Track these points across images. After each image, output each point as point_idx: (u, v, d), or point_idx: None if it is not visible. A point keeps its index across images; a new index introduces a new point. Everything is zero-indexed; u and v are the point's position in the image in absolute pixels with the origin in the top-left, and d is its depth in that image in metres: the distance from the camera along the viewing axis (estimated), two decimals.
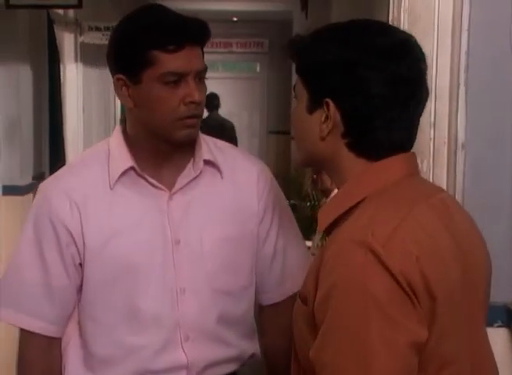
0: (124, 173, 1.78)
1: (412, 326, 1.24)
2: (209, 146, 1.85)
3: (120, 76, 1.75)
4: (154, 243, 1.78)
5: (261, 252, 1.89)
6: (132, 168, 1.78)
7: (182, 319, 1.79)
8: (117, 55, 1.77)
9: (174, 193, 1.80)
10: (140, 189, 1.79)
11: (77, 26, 6.89)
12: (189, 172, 1.81)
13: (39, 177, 5.19)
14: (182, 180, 1.80)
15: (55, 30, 5.73)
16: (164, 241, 1.79)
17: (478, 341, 1.41)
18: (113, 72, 1.78)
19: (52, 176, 1.89)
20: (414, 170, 1.42)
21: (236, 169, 1.87)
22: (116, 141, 1.82)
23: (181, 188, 1.80)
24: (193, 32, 1.72)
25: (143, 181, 1.79)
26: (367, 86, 1.33)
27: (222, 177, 1.84)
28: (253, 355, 1.92)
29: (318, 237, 3.67)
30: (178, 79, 1.71)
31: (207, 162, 1.82)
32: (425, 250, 1.29)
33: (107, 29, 6.98)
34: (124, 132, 1.83)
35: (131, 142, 1.81)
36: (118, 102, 8.93)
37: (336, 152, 1.39)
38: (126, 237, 1.77)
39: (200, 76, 1.75)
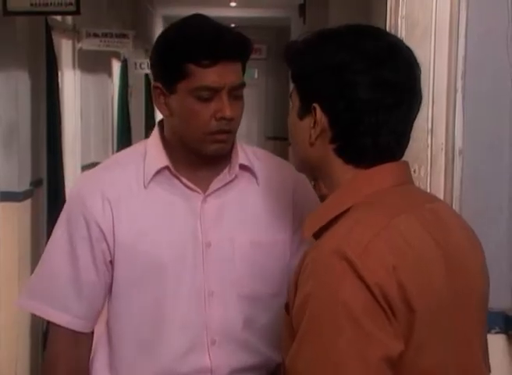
0: (159, 172, 1.79)
1: (386, 339, 1.22)
2: (247, 154, 1.85)
3: (158, 84, 1.77)
4: (185, 244, 1.78)
5: (292, 265, 1.85)
6: (167, 168, 1.79)
7: (209, 322, 1.79)
8: (156, 64, 1.79)
9: (208, 195, 1.80)
10: (174, 189, 1.79)
11: (75, 33, 6.89)
12: (224, 176, 1.82)
13: (37, 184, 5.18)
14: (216, 183, 1.81)
15: (53, 37, 5.73)
16: (195, 243, 1.79)
17: (468, 352, 1.37)
18: (153, 79, 1.80)
19: (87, 173, 1.92)
20: (405, 179, 1.41)
21: (273, 177, 1.87)
22: (154, 142, 1.84)
23: (215, 191, 1.81)
24: (228, 47, 1.73)
25: (177, 182, 1.80)
26: (351, 89, 1.33)
27: (257, 183, 1.85)
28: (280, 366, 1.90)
29: None
30: (211, 93, 1.72)
31: (243, 168, 1.83)
32: (405, 260, 1.26)
33: (105, 35, 6.98)
34: (161, 134, 1.84)
35: (168, 145, 1.82)
36: (115, 108, 8.94)
37: (325, 158, 1.39)
38: (157, 237, 1.78)
39: (236, 91, 1.75)
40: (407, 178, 1.42)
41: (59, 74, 6.10)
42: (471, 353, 1.38)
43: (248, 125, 14.74)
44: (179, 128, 1.77)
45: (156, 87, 1.78)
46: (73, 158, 6.76)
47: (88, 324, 1.85)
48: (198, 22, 1.78)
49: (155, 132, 1.86)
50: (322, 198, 1.44)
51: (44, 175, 5.43)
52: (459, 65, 2.13)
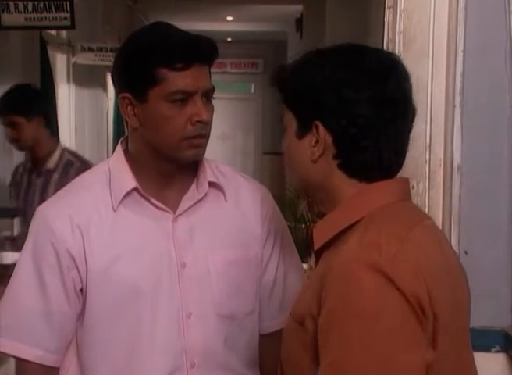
0: (127, 194, 1.74)
1: (425, 348, 1.26)
2: (213, 170, 1.82)
3: (126, 94, 1.72)
4: (160, 266, 1.74)
5: (262, 279, 1.85)
6: (135, 189, 1.75)
7: (188, 345, 1.75)
8: (123, 73, 1.74)
9: (178, 215, 1.76)
10: (143, 211, 1.75)
11: (70, 47, 6.89)
12: (193, 193, 1.78)
13: None
14: (186, 202, 1.77)
15: (48, 51, 5.72)
16: (169, 264, 1.74)
17: (466, 365, 1.40)
18: (118, 90, 1.75)
19: (50, 200, 1.83)
20: (407, 196, 1.44)
21: (239, 192, 1.85)
22: (118, 161, 1.79)
23: (186, 210, 1.77)
24: (202, 50, 1.70)
25: (146, 203, 1.75)
26: (353, 107, 1.35)
27: (225, 200, 1.81)
28: None
29: (313, 259, 3.64)
30: (185, 98, 1.68)
31: (211, 184, 1.79)
32: (426, 270, 1.29)
33: (100, 49, 6.99)
34: (126, 152, 1.80)
35: (134, 162, 1.77)
36: (110, 123, 8.93)
37: (329, 174, 1.39)
38: (131, 261, 1.73)
39: (207, 95, 1.72)
40: (407, 195, 1.44)
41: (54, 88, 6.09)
42: (470, 365, 1.42)
43: (245, 140, 14.72)
44: (152, 137, 1.72)
45: (124, 98, 1.72)
46: None
47: (60, 358, 1.78)
48: (165, 28, 1.74)
49: (118, 151, 1.81)
50: (320, 214, 1.44)
51: None
52: (457, 80, 2.12)
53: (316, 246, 1.42)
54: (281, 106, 1.45)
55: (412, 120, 1.43)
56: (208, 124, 1.72)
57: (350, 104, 1.35)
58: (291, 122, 1.42)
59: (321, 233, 1.41)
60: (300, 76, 1.40)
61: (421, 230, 1.36)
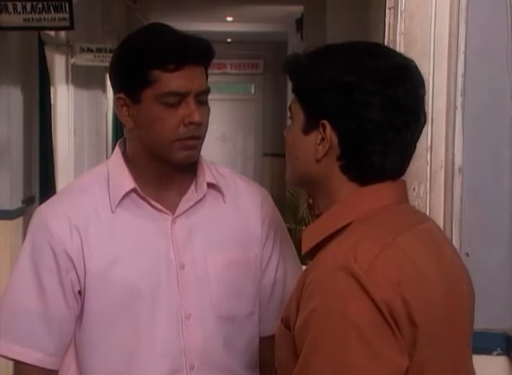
0: (126, 195, 1.74)
1: (393, 355, 1.23)
2: (211, 171, 1.82)
3: (120, 95, 1.73)
4: (158, 268, 1.74)
5: (262, 281, 1.85)
6: (133, 190, 1.74)
7: (187, 346, 1.75)
8: (118, 74, 1.75)
9: (177, 216, 1.76)
10: (142, 212, 1.75)
11: (69, 48, 6.88)
12: (191, 195, 1.78)
13: (29, 201, 5.16)
14: (185, 204, 1.77)
15: (46, 52, 5.71)
16: (168, 266, 1.74)
17: (463, 369, 1.38)
18: (114, 91, 1.76)
19: (49, 201, 1.84)
20: (403, 198, 1.41)
21: (238, 194, 1.85)
22: (116, 162, 1.79)
23: (184, 212, 1.77)
24: (194, 51, 1.70)
25: (145, 204, 1.75)
26: (364, 110, 1.33)
27: (224, 201, 1.81)
28: None
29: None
30: (178, 99, 1.68)
31: (209, 186, 1.79)
32: (408, 276, 1.27)
33: (99, 50, 6.97)
34: (124, 153, 1.80)
35: (132, 163, 1.78)
36: (110, 124, 8.92)
37: (329, 174, 1.37)
38: (129, 262, 1.73)
39: (201, 96, 1.72)
40: (404, 197, 1.42)
41: (52, 90, 6.08)
42: (467, 372, 1.39)
43: (245, 141, 14.70)
44: (147, 139, 1.72)
45: (119, 99, 1.73)
46: (66, 176, 6.73)
47: (58, 360, 1.77)
48: (159, 29, 1.75)
49: (117, 152, 1.81)
50: (319, 217, 1.42)
51: (36, 192, 5.41)
52: (458, 81, 2.11)
53: (303, 250, 1.40)
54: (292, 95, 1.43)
55: (422, 128, 1.40)
56: (201, 126, 1.71)
57: (360, 107, 1.32)
58: (299, 113, 1.39)
59: (310, 237, 1.39)
60: (311, 73, 1.37)
61: (411, 235, 1.33)
